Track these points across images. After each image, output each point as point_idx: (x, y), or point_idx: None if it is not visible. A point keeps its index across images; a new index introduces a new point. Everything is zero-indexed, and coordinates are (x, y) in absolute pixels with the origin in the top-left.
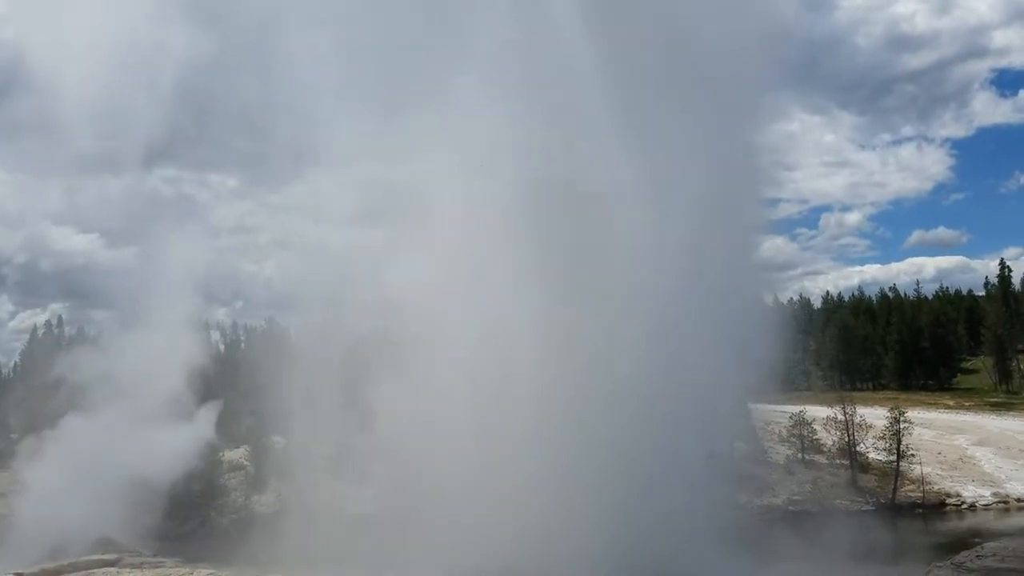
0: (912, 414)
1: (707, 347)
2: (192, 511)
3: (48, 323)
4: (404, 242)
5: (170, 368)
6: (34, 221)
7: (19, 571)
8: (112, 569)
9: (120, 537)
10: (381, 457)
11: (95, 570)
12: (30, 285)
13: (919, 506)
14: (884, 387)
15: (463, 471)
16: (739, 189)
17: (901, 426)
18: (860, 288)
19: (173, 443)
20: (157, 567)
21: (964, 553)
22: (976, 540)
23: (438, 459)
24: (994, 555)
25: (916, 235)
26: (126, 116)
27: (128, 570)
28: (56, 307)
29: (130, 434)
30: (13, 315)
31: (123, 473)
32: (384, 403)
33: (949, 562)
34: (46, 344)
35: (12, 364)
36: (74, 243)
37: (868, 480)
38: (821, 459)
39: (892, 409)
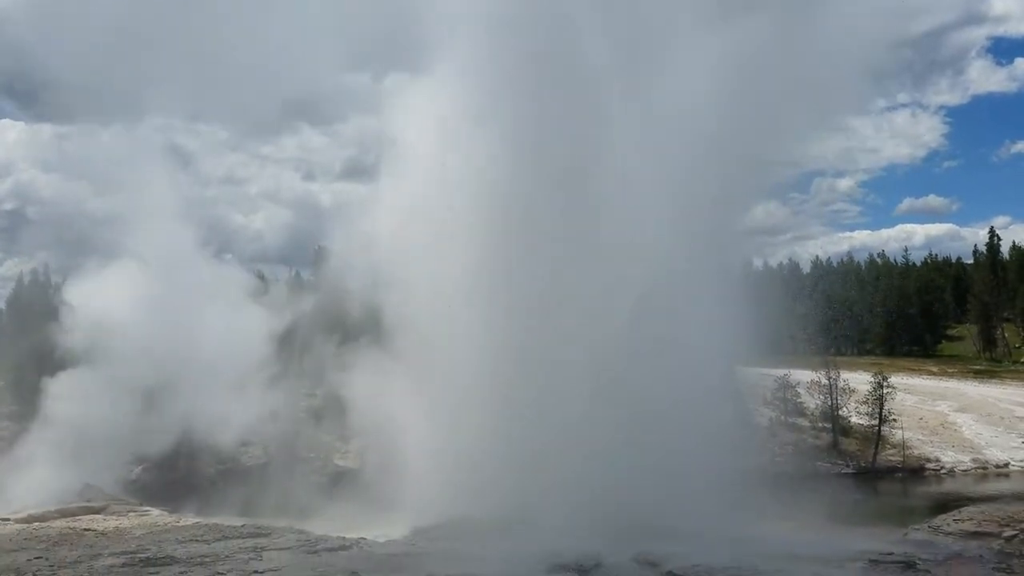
0: (896, 380)
1: (700, 309)
2: (177, 461)
3: (34, 271)
4: (386, 198)
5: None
6: (22, 168)
7: (5, 516)
8: (99, 516)
9: (105, 486)
10: (364, 412)
11: (81, 516)
12: (16, 233)
13: (899, 470)
14: (869, 352)
15: (445, 428)
16: (733, 150)
17: (884, 391)
18: (850, 254)
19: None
20: (143, 515)
21: (942, 516)
22: (954, 504)
23: (417, 414)
24: (971, 519)
25: (907, 202)
26: (115, 63)
27: (115, 517)
28: (43, 255)
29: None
30: (0, 262)
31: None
32: (365, 357)
33: (927, 525)
34: (32, 292)
35: None
36: (62, 191)
37: (850, 444)
38: (804, 422)
39: (876, 374)
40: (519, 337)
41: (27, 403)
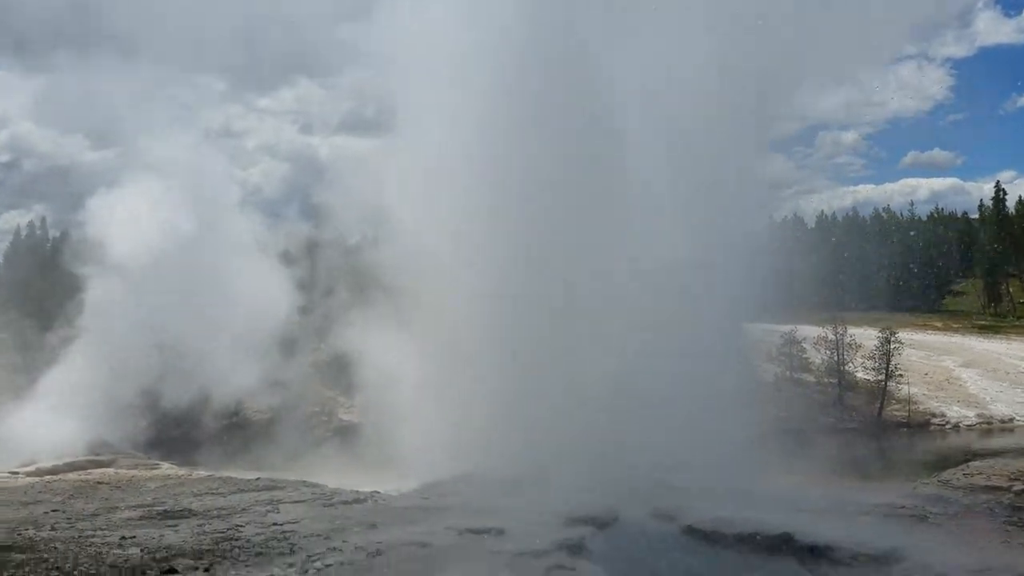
0: (901, 335)
1: (714, 265)
2: (184, 416)
3: (31, 224)
4: (386, 152)
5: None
6: (16, 120)
7: (14, 470)
8: (109, 470)
9: (113, 440)
10: (368, 367)
11: (93, 470)
12: (13, 186)
13: (904, 425)
14: (874, 308)
15: (452, 386)
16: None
17: (891, 346)
18: (854, 208)
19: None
20: (153, 468)
21: (950, 471)
22: (961, 459)
23: (422, 371)
24: (980, 473)
25: (911, 156)
26: (111, 12)
27: (125, 470)
28: (40, 208)
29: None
30: None
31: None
32: (371, 313)
33: (936, 479)
34: (30, 245)
35: None
36: (58, 144)
37: (855, 399)
38: (809, 378)
39: (883, 329)
40: (529, 294)
41: (31, 355)
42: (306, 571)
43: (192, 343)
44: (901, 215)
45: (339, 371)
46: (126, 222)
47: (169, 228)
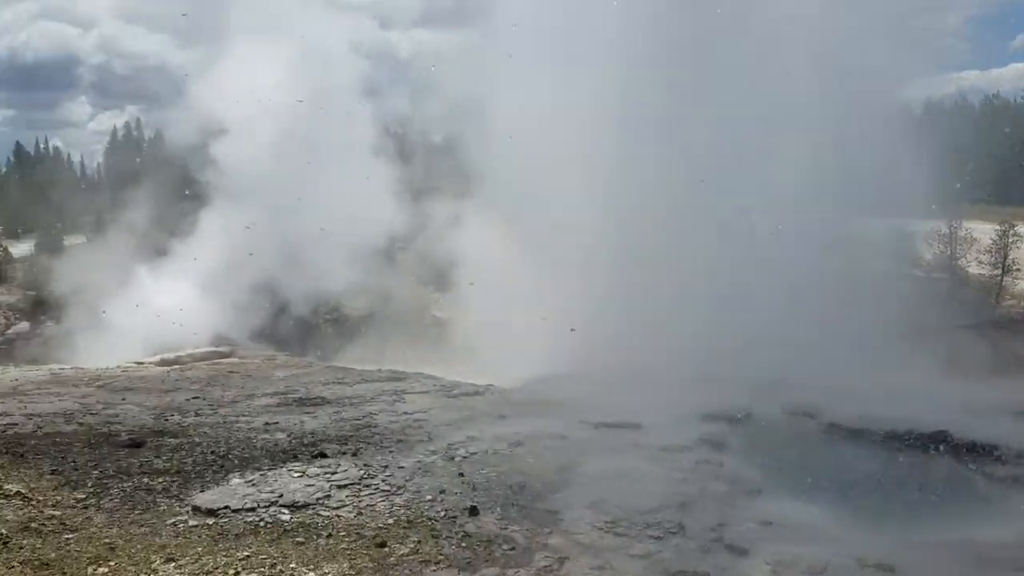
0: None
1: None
2: (288, 311)
3: (127, 124)
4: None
5: None
6: (107, 20)
7: (140, 360)
8: (234, 359)
9: (230, 333)
10: (462, 266)
11: (220, 360)
12: (105, 86)
13: (1020, 322)
14: (986, 199)
15: (557, 286)
16: None
17: (1009, 239)
18: (963, 95)
19: None
20: (271, 359)
21: None
22: None
23: (512, 269)
24: None
25: (1020, 39)
26: None
27: (241, 360)
28: (132, 109)
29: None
30: (92, 116)
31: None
32: (473, 211)
33: None
34: (127, 145)
35: (96, 164)
36: (146, 43)
37: (967, 294)
38: (919, 273)
39: (1003, 222)
40: (641, 191)
41: (149, 252)
42: (452, 458)
43: (299, 240)
44: (1014, 101)
45: (434, 269)
46: (240, 121)
47: (283, 127)
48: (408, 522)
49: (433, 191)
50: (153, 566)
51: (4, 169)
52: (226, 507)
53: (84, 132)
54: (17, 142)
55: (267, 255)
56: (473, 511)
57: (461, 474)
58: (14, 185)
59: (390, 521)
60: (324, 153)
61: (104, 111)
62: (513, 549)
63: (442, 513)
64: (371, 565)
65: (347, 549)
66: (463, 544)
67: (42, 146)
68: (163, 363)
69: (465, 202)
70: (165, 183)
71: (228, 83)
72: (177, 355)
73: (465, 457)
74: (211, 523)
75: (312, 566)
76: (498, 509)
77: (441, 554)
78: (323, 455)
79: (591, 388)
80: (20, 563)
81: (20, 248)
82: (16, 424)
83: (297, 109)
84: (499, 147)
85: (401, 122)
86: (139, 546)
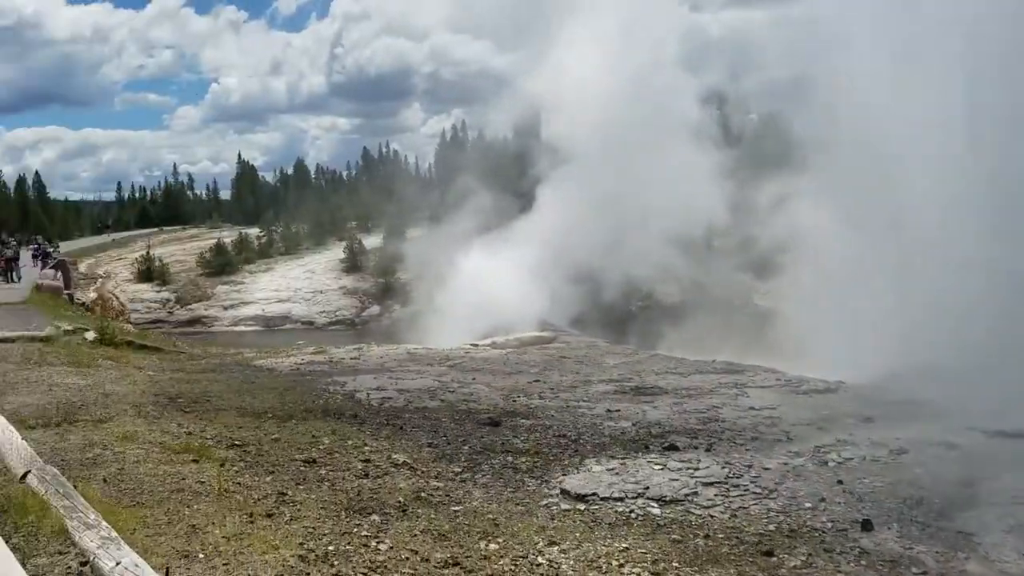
0: None
1: None
2: (602, 296)
3: (454, 126)
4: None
5: None
6: (437, 31)
7: (475, 342)
8: (554, 345)
9: (551, 318)
10: (788, 252)
11: (548, 345)
12: (435, 93)
13: None
14: None
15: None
16: None
17: None
18: None
19: None
20: (592, 345)
21: None
22: None
23: (845, 256)
24: None
25: None
26: None
27: (565, 345)
28: (458, 112)
29: None
30: (424, 121)
31: None
32: (794, 195)
33: None
34: (454, 146)
35: (428, 164)
36: (470, 50)
37: None
38: None
39: None
40: (986, 199)
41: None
42: (824, 463)
43: (619, 227)
44: None
45: (755, 256)
46: (566, 112)
47: (608, 115)
48: (791, 531)
49: (756, 175)
50: (538, 547)
51: (354, 172)
52: (594, 494)
53: (417, 135)
54: (364, 147)
55: (589, 242)
56: (866, 525)
57: (840, 481)
58: (363, 185)
59: (770, 528)
60: (646, 138)
61: (434, 115)
62: (925, 574)
63: (829, 525)
64: (760, 575)
65: (729, 553)
66: (862, 562)
67: (384, 150)
68: (494, 346)
69: (793, 188)
70: (491, 178)
71: (552, 77)
72: (506, 339)
73: (840, 463)
74: (582, 508)
75: (696, 567)
76: (895, 525)
77: (839, 571)
78: (674, 447)
79: (958, 389)
80: (421, 532)
81: (371, 240)
82: (391, 398)
83: (619, 95)
84: (832, 133)
85: (720, 103)
86: (520, 525)
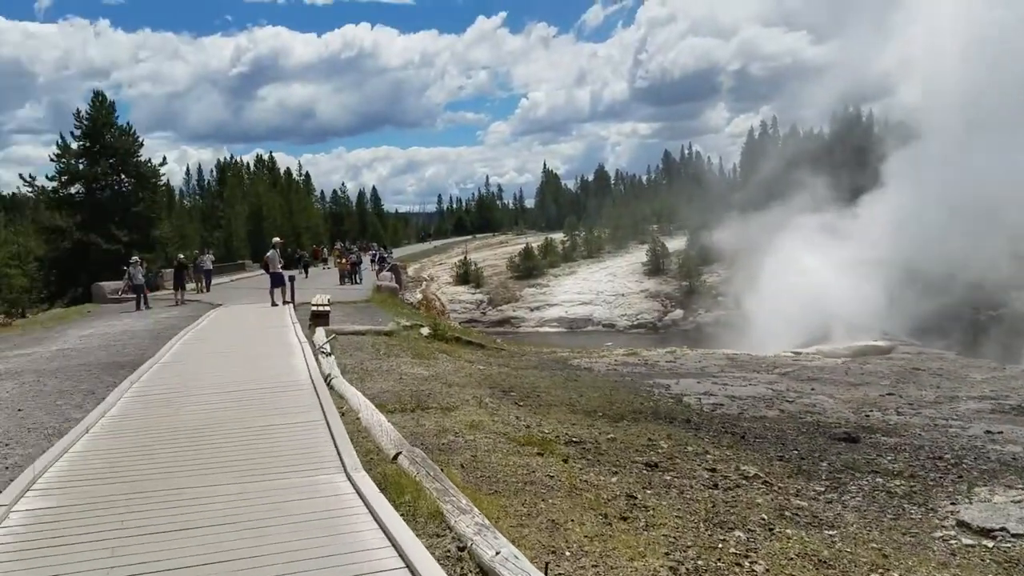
0: None
1: None
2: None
3: (763, 123)
4: None
5: None
6: (746, 26)
7: (796, 349)
8: (895, 355)
9: (887, 327)
10: None
11: (892, 355)
12: (742, 90)
13: None
14: None
15: None
16: None
17: None
18: None
19: None
20: (940, 358)
21: None
22: None
23: None
24: None
25: None
26: None
27: (905, 355)
28: (766, 109)
29: None
30: (728, 121)
31: None
32: None
33: None
34: (762, 144)
35: (732, 165)
36: (781, 43)
37: None
38: None
39: None
40: None
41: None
42: None
43: (976, 218)
44: None
45: None
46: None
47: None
48: None
49: None
50: None
51: (653, 175)
52: (1003, 528)
53: (720, 136)
54: (665, 151)
55: (932, 239)
56: None
57: None
58: (664, 188)
59: None
60: (1000, 131)
61: (740, 114)
62: None
63: None
64: None
65: None
66: None
67: (686, 152)
68: (822, 354)
69: None
70: (810, 173)
71: (896, 45)
72: (834, 347)
73: None
74: (990, 546)
75: None
76: None
77: None
78: None
79: None
80: (796, 556)
81: (673, 243)
82: (722, 404)
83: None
84: None
85: None
86: (914, 559)
